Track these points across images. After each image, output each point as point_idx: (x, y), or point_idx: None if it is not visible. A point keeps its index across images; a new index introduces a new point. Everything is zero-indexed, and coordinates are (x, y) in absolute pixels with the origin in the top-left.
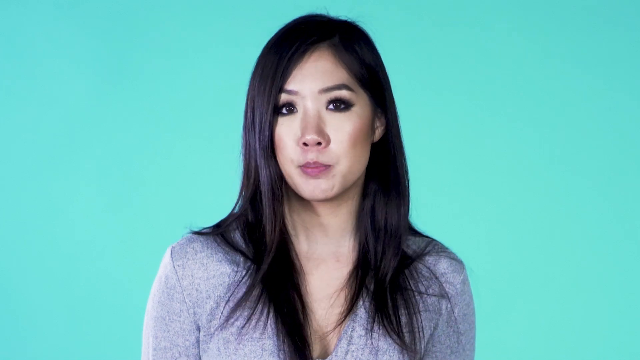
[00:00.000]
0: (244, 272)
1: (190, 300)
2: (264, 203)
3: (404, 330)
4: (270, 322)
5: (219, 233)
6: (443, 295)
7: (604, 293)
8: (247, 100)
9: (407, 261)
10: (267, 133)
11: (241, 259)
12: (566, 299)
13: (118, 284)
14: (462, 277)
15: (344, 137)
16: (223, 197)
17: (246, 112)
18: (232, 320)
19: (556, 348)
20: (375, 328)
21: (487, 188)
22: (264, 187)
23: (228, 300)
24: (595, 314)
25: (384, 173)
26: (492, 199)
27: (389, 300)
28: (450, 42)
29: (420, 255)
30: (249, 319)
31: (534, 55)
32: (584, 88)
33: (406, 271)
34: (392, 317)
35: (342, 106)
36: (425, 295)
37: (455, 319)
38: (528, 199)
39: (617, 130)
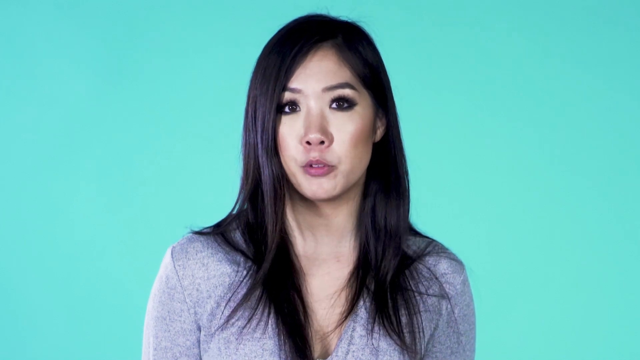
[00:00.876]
0: (245, 273)
1: (191, 300)
2: (265, 203)
3: (405, 331)
4: (271, 322)
5: (219, 233)
6: (443, 295)
7: (604, 293)
8: (248, 99)
9: (407, 261)
10: (270, 132)
11: (242, 259)
12: (566, 299)
13: (118, 284)
14: (462, 278)
15: (347, 136)
16: (223, 197)
17: (247, 112)
18: (232, 320)
19: (556, 348)
20: (376, 328)
21: (487, 188)
22: (266, 187)
23: (229, 301)
24: (595, 314)
25: (384, 173)
26: (492, 199)
27: (389, 301)
28: (450, 42)
29: (420, 256)
30: (249, 319)
31: (534, 55)
32: (584, 88)
33: (406, 271)
34: (393, 318)
35: (346, 105)
36: (426, 296)
37: (456, 319)
38: (528, 199)
39: (617, 130)
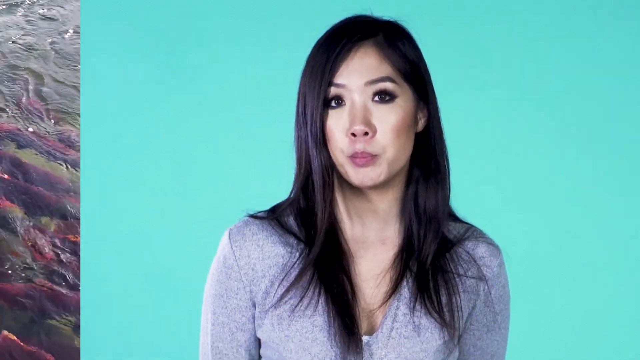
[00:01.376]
0: (297, 255)
1: (246, 279)
2: (315, 190)
3: (444, 310)
4: (321, 301)
5: (273, 217)
6: (481, 277)
7: (604, 293)
8: (299, 96)
9: (448, 245)
10: (318, 125)
11: (294, 242)
12: (566, 299)
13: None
14: (498, 261)
15: (389, 127)
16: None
17: (298, 108)
18: (285, 298)
19: (556, 348)
20: (418, 307)
21: (487, 188)
22: (316, 177)
23: (282, 280)
24: (595, 314)
25: (426, 161)
26: (492, 199)
27: (430, 282)
28: (450, 42)
29: (460, 240)
30: (301, 298)
31: (534, 55)
32: (583, 88)
33: (447, 255)
34: (434, 297)
35: (387, 98)
36: (465, 277)
37: (492, 299)
38: (528, 199)
39: (617, 131)
